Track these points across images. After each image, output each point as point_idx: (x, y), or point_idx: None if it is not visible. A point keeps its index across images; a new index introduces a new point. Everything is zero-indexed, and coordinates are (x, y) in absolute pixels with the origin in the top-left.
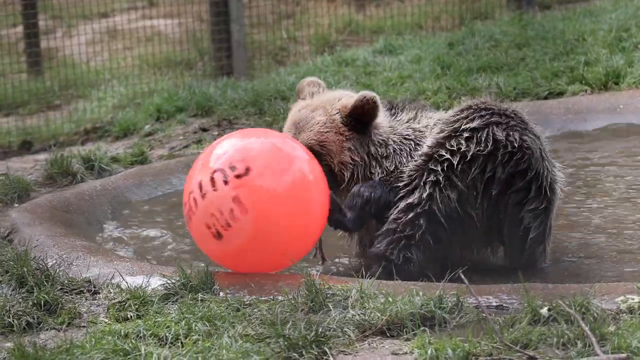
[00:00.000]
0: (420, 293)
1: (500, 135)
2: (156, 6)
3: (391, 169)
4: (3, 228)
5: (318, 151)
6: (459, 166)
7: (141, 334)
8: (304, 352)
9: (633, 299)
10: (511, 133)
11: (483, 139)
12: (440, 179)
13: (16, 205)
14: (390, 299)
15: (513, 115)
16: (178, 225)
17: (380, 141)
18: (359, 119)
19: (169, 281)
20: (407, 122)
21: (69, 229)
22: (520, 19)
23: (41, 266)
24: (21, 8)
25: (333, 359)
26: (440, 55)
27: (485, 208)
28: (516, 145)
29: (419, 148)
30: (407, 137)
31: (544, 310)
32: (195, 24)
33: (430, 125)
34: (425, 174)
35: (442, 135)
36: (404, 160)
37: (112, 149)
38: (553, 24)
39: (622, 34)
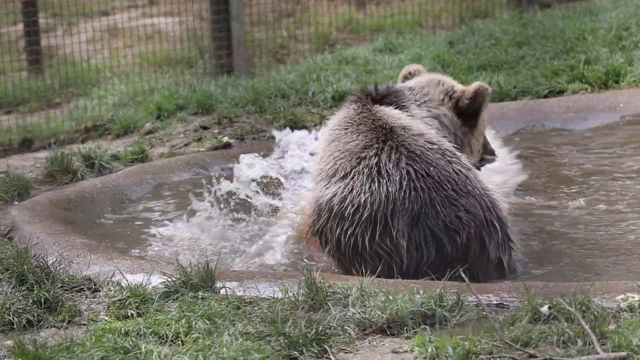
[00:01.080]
0: (421, 291)
1: (439, 229)
2: (156, 4)
3: None
4: (3, 226)
5: None
6: (406, 271)
7: (141, 332)
8: (304, 350)
9: (633, 297)
10: (448, 219)
11: (422, 243)
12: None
13: (16, 203)
14: (391, 297)
15: (423, 184)
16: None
17: None
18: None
19: (169, 279)
20: None
21: (69, 226)
22: (520, 17)
23: (41, 264)
24: (21, 6)
25: (333, 357)
26: (441, 54)
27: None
28: (460, 230)
29: None
30: None
31: (545, 309)
32: (196, 22)
33: None
34: (360, 260)
35: (368, 230)
36: None
37: (112, 147)
38: (553, 22)
39: (622, 32)
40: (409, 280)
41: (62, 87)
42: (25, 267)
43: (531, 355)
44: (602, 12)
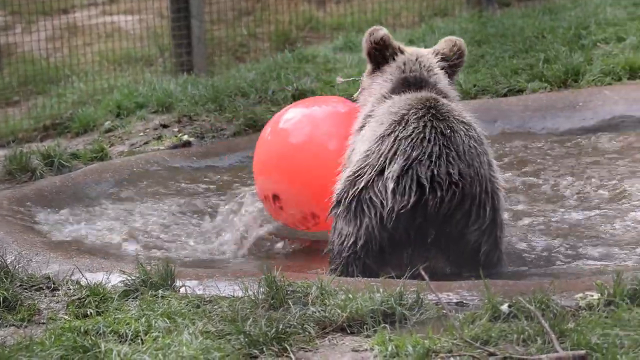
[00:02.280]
0: (381, 290)
1: (425, 177)
2: (116, 2)
3: None
4: None
5: None
6: (388, 216)
7: (101, 331)
8: (264, 349)
9: (592, 296)
10: (436, 171)
11: (407, 188)
12: (373, 221)
13: None
14: (351, 296)
15: (433, 135)
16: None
17: None
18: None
19: (128, 278)
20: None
21: (28, 225)
22: (479, 16)
23: (0, 262)
24: None
25: (293, 356)
26: None
27: (420, 245)
28: (444, 186)
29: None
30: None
31: (504, 307)
32: (156, 20)
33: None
34: (356, 208)
35: (367, 175)
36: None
37: (71, 146)
38: (512, 21)
39: (581, 31)
40: (369, 279)
41: (21, 85)
42: None
43: (491, 354)
44: (561, 11)
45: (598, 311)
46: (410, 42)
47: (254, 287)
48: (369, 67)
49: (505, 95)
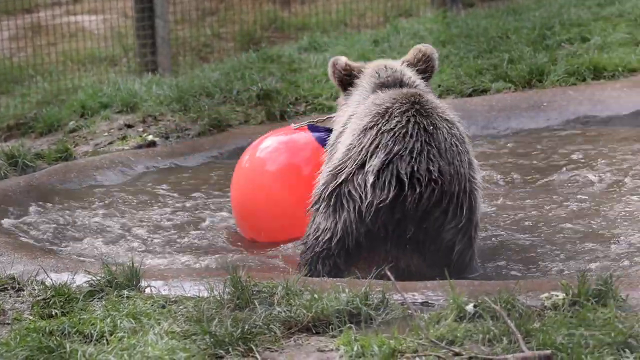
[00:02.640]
0: (346, 290)
1: (405, 173)
2: (80, 2)
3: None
4: None
5: None
6: (366, 210)
7: (66, 331)
8: (230, 349)
9: (557, 296)
10: (416, 167)
11: (386, 182)
12: (351, 215)
13: None
14: (316, 296)
15: (416, 130)
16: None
17: None
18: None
19: (94, 278)
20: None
21: None
22: (444, 16)
23: None
24: None
25: (259, 356)
26: (365, 53)
27: (397, 241)
28: (424, 183)
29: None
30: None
31: (470, 307)
32: (120, 20)
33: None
34: (335, 202)
35: (349, 168)
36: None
37: (36, 146)
38: (477, 21)
39: (545, 32)
40: (335, 279)
41: None
42: None
43: (456, 354)
44: (525, 11)
45: (563, 311)
46: (375, 43)
47: (220, 287)
48: (341, 94)
49: (469, 95)
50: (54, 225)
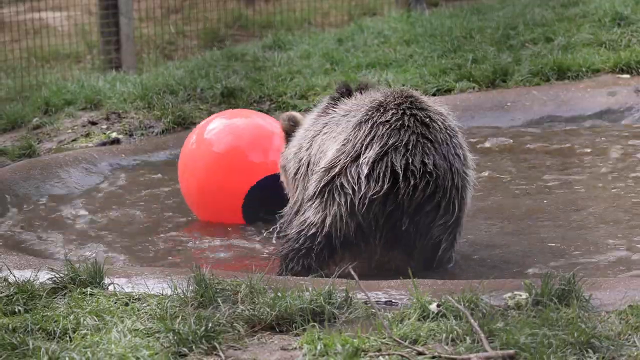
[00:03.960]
0: (310, 288)
1: (399, 165)
2: None
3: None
4: None
5: None
6: (359, 202)
7: (29, 328)
8: (193, 347)
9: (521, 296)
10: (411, 159)
11: (381, 174)
12: (342, 212)
13: None
14: (280, 294)
15: (412, 123)
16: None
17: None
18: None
19: (57, 275)
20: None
21: None
22: (408, 15)
23: None
24: None
25: (223, 354)
26: (330, 51)
27: (387, 236)
28: (418, 175)
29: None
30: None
31: (433, 306)
32: (84, 17)
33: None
34: (327, 196)
35: (342, 161)
36: (305, 162)
37: None
38: (441, 21)
39: (509, 31)
40: (298, 277)
41: None
42: None
43: (420, 353)
44: (489, 11)
45: (527, 311)
46: (339, 42)
47: (183, 285)
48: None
49: (433, 94)
50: (16, 222)
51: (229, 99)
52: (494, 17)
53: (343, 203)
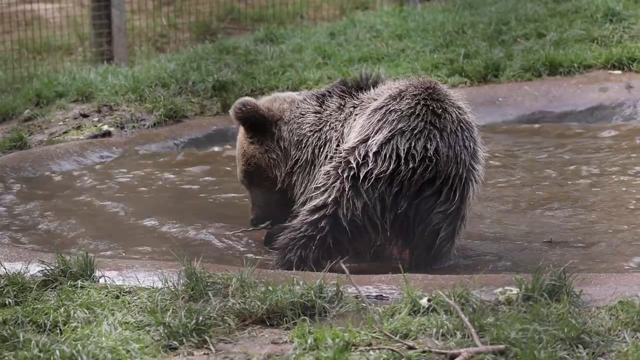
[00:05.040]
0: (301, 282)
1: (402, 149)
2: None
3: (304, 159)
4: None
5: (252, 171)
6: (366, 181)
7: (19, 321)
8: (184, 340)
9: (511, 291)
10: (414, 143)
11: (387, 155)
12: (347, 187)
13: None
14: (271, 288)
15: (424, 112)
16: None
17: (286, 136)
18: (251, 124)
19: (48, 268)
20: (317, 111)
21: None
22: (400, 10)
23: None
24: None
25: (213, 347)
26: (322, 45)
27: (391, 217)
28: (418, 158)
29: (332, 139)
30: (311, 128)
31: (424, 301)
32: (76, 9)
33: (351, 114)
34: (335, 178)
35: (353, 142)
36: (313, 150)
37: None
38: (433, 15)
39: (502, 27)
40: (289, 272)
41: None
42: None
43: (410, 347)
44: (482, 6)
45: (517, 306)
46: (332, 36)
47: (174, 278)
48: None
49: None
50: (8, 214)
51: (221, 92)
52: (487, 12)
53: (347, 178)
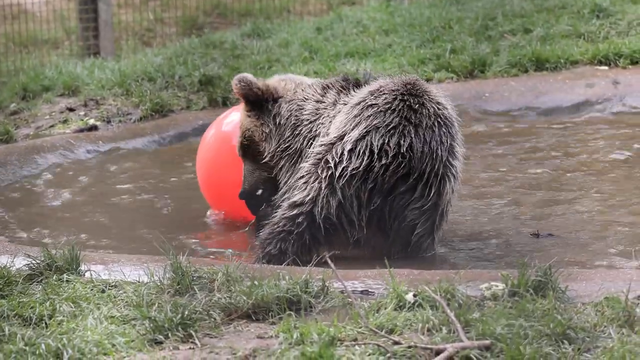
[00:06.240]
0: (287, 277)
1: (376, 145)
2: None
3: (294, 148)
4: None
5: (247, 144)
6: (341, 178)
7: (5, 314)
8: (169, 335)
9: (497, 286)
10: (388, 139)
11: (361, 151)
12: (324, 186)
13: None
14: (256, 283)
15: (400, 107)
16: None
17: (284, 113)
18: (250, 99)
19: (33, 261)
20: (319, 100)
21: None
22: (387, 5)
23: None
24: None
25: (199, 342)
26: (308, 40)
27: (367, 214)
28: (391, 154)
29: (320, 134)
30: (308, 117)
31: (409, 296)
32: (63, 3)
33: (340, 111)
34: (314, 177)
35: (331, 138)
36: (304, 141)
37: None
38: (420, 11)
39: (488, 22)
40: (275, 266)
41: None
42: None
43: (396, 342)
44: (468, 1)
45: (503, 301)
46: (318, 31)
47: (160, 273)
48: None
49: None
50: None
51: (207, 86)
52: (473, 8)
53: (325, 178)
